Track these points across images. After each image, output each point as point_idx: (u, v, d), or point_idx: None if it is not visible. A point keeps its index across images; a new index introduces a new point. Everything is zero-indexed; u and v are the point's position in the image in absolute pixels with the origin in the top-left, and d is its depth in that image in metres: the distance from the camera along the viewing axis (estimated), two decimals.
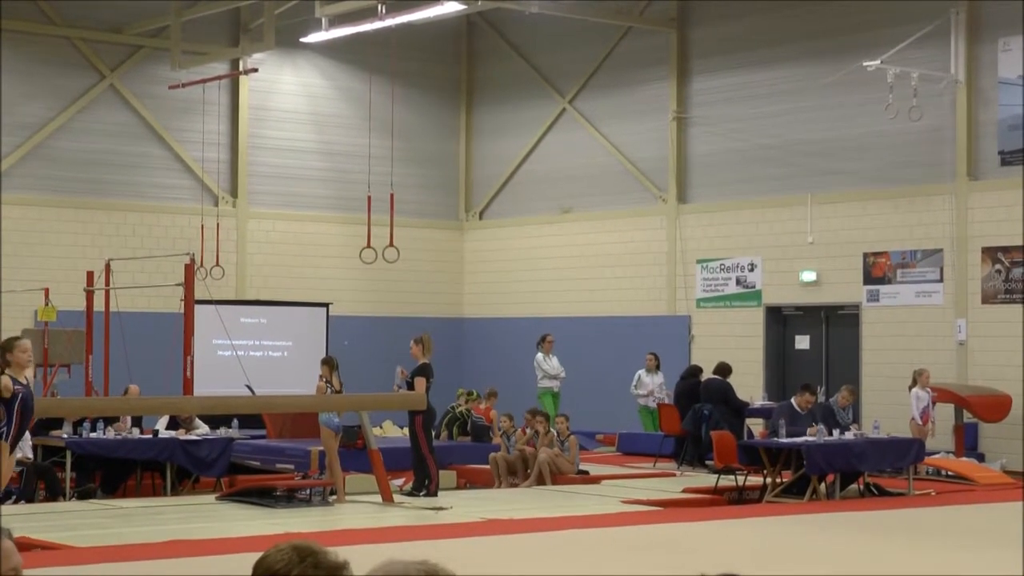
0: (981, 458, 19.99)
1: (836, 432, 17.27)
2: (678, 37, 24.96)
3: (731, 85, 24.28)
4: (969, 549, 12.60)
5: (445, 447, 18.90)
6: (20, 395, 10.96)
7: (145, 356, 20.52)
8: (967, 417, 20.26)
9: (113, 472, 17.01)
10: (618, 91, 25.90)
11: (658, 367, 22.68)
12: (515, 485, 18.01)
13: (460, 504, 15.59)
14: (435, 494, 16.23)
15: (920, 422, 19.15)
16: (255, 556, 3.98)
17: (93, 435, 16.93)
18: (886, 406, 20.38)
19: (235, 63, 25.34)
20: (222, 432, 17.93)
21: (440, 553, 10.96)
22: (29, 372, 11.34)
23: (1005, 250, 20.88)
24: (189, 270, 18.72)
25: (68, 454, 16.41)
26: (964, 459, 19.42)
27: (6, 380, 10.83)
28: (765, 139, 23.71)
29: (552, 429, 18.51)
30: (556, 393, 22.63)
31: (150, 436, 17.31)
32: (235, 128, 25.82)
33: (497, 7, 24.34)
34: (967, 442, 20.18)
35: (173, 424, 18.04)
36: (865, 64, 20.59)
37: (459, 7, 21.82)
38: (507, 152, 27.59)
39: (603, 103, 26.14)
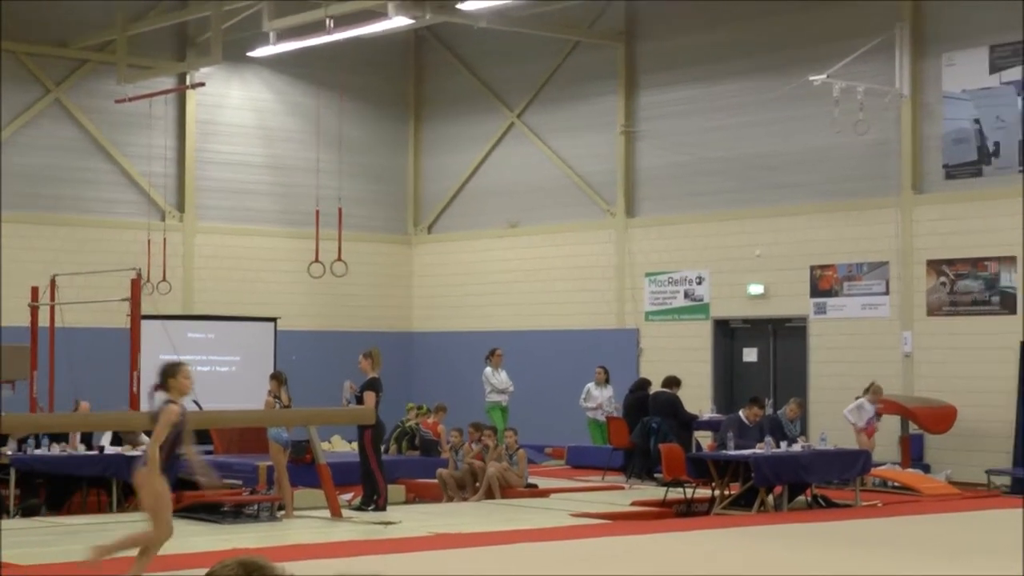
0: (927, 469, 20.13)
1: (784, 444, 17.34)
2: (626, 51, 25.05)
3: (679, 99, 24.38)
4: (916, 560, 12.65)
5: (393, 461, 18.86)
6: (181, 424, 10.45)
7: (91, 372, 20.36)
8: (913, 428, 20.42)
9: (58, 489, 16.85)
10: (566, 105, 25.96)
11: (607, 380, 22.71)
12: (464, 499, 17.99)
13: (409, 518, 15.55)
14: (383, 508, 16.19)
15: (867, 433, 19.31)
16: (202, 572, 3.96)
17: (38, 451, 16.77)
18: (833, 418, 20.48)
19: (182, 77, 25.24)
20: None
21: (389, 568, 10.94)
22: None
23: (950, 263, 21.05)
24: (135, 285, 18.60)
25: (12, 471, 16.23)
26: (910, 470, 19.55)
27: (175, 409, 10.23)
28: (712, 153, 23.82)
29: (500, 443, 18.49)
30: (504, 407, 22.62)
31: (96, 453, 17.16)
32: (182, 142, 25.71)
33: (445, 21, 24.34)
34: (913, 453, 20.34)
35: (117, 440, 17.89)
36: (811, 78, 20.73)
37: (407, 21, 21.80)
38: (456, 166, 27.60)
39: (551, 117, 26.20)
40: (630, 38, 25.10)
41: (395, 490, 17.63)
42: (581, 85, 25.78)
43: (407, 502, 18.04)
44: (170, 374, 10.49)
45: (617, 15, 25.14)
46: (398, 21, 21.51)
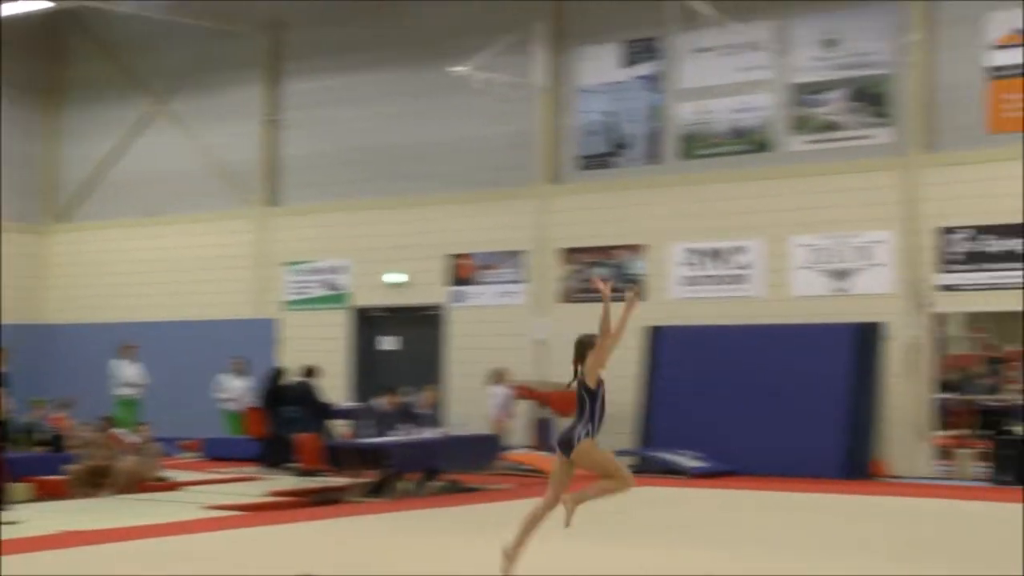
0: None
1: (420, 431, 17.54)
2: (271, 40, 24.89)
3: (323, 89, 24.37)
4: (547, 539, 12.96)
5: (19, 458, 18.17)
6: (603, 387, 9.99)
7: None
8: (546, 412, 20.92)
9: None
10: (210, 93, 25.61)
11: (244, 370, 22.51)
12: (95, 495, 17.52)
13: (35, 517, 15.03)
14: (6, 507, 15.62)
15: (501, 419, 19.73)
16: None
17: None
18: (471, 404, 20.84)
19: None
20: None
21: (11, 569, 10.50)
22: None
23: (583, 251, 21.68)
24: None
25: None
26: (542, 453, 20.03)
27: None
28: (356, 142, 23.89)
29: (129, 437, 18.09)
30: (135, 401, 22.17)
31: None
32: None
33: (86, 5, 23.64)
34: (545, 436, 20.84)
35: None
36: (452, 70, 21.00)
37: (45, 4, 21.10)
38: (94, 154, 26.90)
39: (195, 105, 25.80)
40: (275, 27, 24.93)
41: (21, 488, 17.02)
42: (226, 73, 25.48)
43: (35, 500, 17.44)
44: (589, 344, 9.96)
45: (262, 4, 24.91)
46: (36, 3, 20.79)
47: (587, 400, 9.97)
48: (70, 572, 11.48)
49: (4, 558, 11.85)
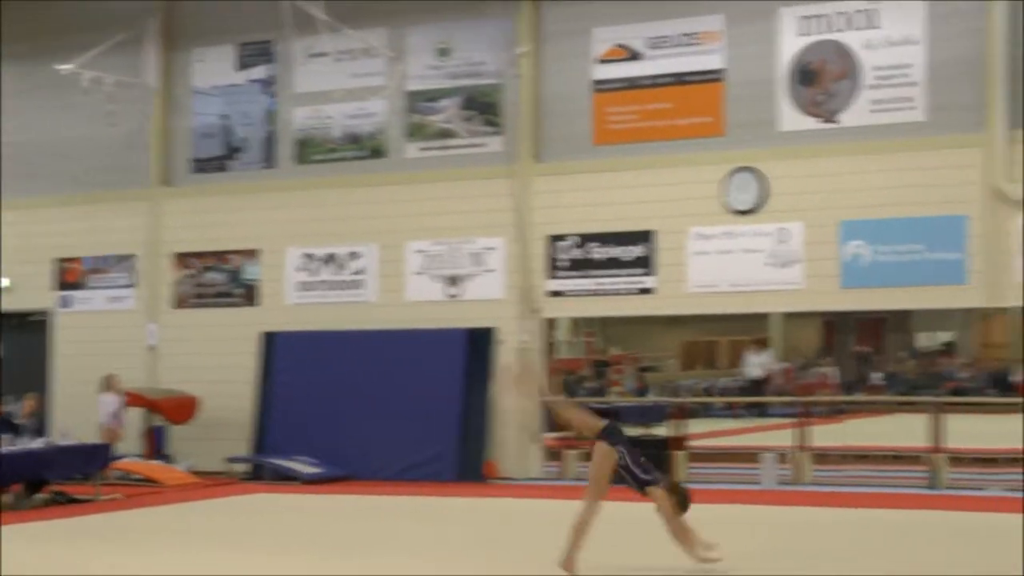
0: (170, 460, 20.28)
1: (21, 441, 16.94)
2: None
3: None
4: (153, 550, 12.72)
5: None
6: None
7: None
8: (159, 420, 20.56)
9: None
10: None
11: None
12: None
13: None
14: None
15: (111, 427, 19.26)
16: None
17: None
18: (80, 412, 20.26)
19: None
20: None
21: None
22: None
23: (197, 255, 21.39)
24: None
25: None
26: (153, 462, 19.67)
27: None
28: None
29: None
30: None
31: None
32: None
33: None
34: (158, 445, 20.49)
35: None
36: (59, 67, 20.38)
37: None
38: None
39: None
40: None
41: None
42: None
43: None
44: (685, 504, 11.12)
45: None
46: None
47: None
48: None
49: None
